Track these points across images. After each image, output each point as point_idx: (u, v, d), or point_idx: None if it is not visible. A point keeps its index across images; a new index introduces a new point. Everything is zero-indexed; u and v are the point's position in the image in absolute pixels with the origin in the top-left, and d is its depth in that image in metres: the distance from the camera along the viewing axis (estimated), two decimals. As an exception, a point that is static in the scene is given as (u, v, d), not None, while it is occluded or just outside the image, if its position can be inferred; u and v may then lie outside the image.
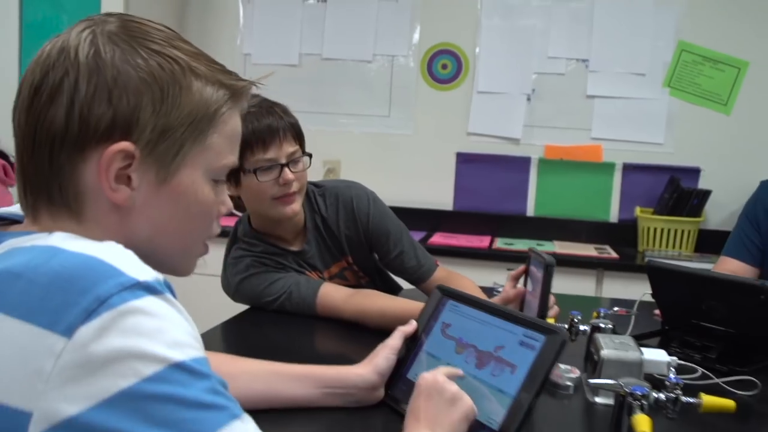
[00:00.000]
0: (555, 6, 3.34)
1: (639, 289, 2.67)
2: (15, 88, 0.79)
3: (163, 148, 0.75)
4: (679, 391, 1.04)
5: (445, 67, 3.47)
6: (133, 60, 0.73)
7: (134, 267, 0.66)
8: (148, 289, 0.65)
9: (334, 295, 1.69)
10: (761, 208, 2.17)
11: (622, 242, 3.26)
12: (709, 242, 3.08)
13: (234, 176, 1.63)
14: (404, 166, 3.48)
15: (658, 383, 1.08)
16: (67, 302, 0.62)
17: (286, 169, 1.62)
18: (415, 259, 1.81)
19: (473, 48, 3.44)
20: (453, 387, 0.94)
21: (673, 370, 1.15)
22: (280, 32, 3.63)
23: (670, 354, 1.30)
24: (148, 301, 0.64)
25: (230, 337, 1.62)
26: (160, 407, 0.61)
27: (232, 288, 1.76)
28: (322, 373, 1.11)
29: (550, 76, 3.37)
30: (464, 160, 3.47)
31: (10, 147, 2.61)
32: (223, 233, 2.09)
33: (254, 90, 0.85)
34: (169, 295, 0.68)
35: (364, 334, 1.54)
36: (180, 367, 0.63)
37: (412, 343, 1.14)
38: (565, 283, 2.82)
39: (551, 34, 3.35)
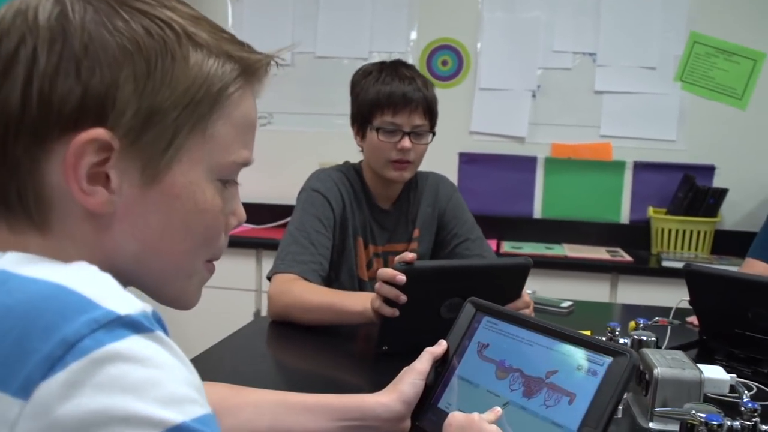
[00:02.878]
0: (559, -4, 3.21)
1: (655, 294, 2.54)
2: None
3: (149, 138, 0.59)
4: (757, 419, 0.88)
5: (445, 63, 3.33)
6: (110, 22, 0.58)
7: (112, 296, 0.52)
8: (133, 325, 0.50)
9: (283, 282, 1.62)
10: None
11: (634, 244, 3.11)
12: (726, 243, 2.96)
13: (361, 128, 1.78)
14: (404, 168, 3.33)
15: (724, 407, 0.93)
16: (22, 350, 0.47)
17: (407, 138, 1.72)
18: (479, 249, 1.85)
19: (474, 43, 3.30)
20: (491, 429, 0.77)
21: (747, 393, 0.98)
22: (271, 31, 3.49)
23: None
24: (132, 343, 0.49)
25: (238, 351, 1.48)
26: None
27: (301, 192, 1.81)
28: (339, 403, 0.94)
29: (556, 71, 3.24)
30: (467, 160, 3.33)
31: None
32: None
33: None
34: (160, 333, 0.52)
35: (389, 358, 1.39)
36: (180, 431, 0.48)
37: (441, 367, 0.98)
38: (578, 289, 2.68)
39: (556, 27, 3.22)
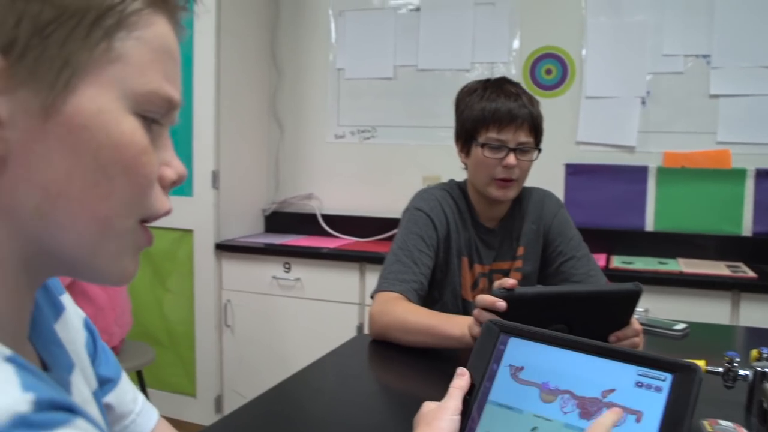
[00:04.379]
0: (669, -2, 3.03)
1: (783, 313, 2.36)
2: None
3: (41, 53, 0.49)
4: None
5: (549, 72, 3.23)
6: None
7: None
8: (25, 425, 0.38)
9: (385, 302, 1.61)
10: None
11: (758, 259, 2.90)
12: None
13: (466, 144, 1.76)
14: (508, 180, 3.24)
15: None
16: None
17: (512, 154, 1.70)
18: (585, 267, 1.79)
19: (579, 50, 3.18)
20: None
21: None
22: (373, 45, 3.50)
23: None
24: None
25: (338, 369, 1.47)
26: None
27: (405, 212, 1.81)
28: None
29: (667, 76, 3.06)
30: (574, 171, 3.21)
31: None
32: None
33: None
34: None
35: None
36: None
37: (468, 395, 0.92)
38: (695, 309, 2.53)
39: (665, 29, 3.04)
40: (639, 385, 0.78)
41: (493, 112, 1.69)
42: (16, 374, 0.41)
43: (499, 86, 1.74)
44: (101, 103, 0.52)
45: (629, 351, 0.83)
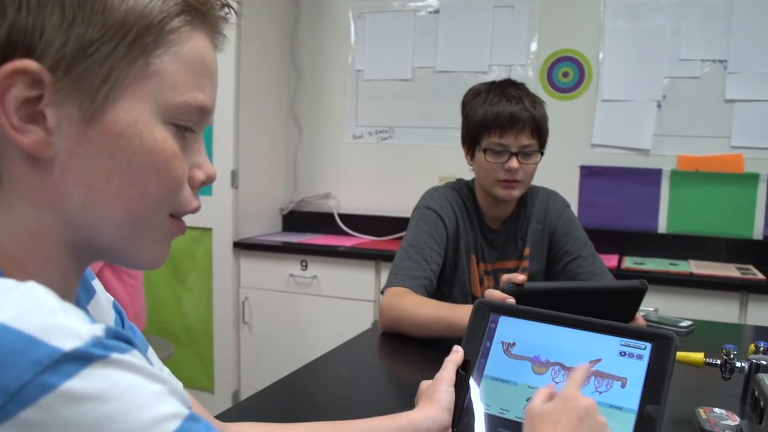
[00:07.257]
0: (687, 3, 3.04)
1: (792, 315, 2.38)
2: None
3: (83, 70, 0.55)
4: None
5: (566, 75, 3.26)
6: None
7: (56, 326, 0.45)
8: (82, 358, 0.44)
9: (395, 296, 1.65)
10: None
11: (768, 261, 2.92)
12: None
13: (471, 148, 1.80)
14: (523, 181, 3.28)
15: None
16: None
17: (514, 158, 1.72)
18: (591, 266, 1.81)
19: (596, 53, 3.21)
20: (589, 401, 0.78)
21: None
22: (392, 47, 3.55)
23: None
24: (84, 379, 0.44)
25: (350, 360, 1.50)
26: None
27: (415, 210, 1.85)
28: (392, 424, 0.93)
29: (683, 80, 3.08)
30: (588, 173, 3.24)
31: None
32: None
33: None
34: (116, 355, 0.46)
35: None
36: None
37: (464, 371, 0.99)
38: (704, 308, 2.55)
39: (683, 33, 3.06)
40: (622, 354, 0.88)
41: (495, 117, 1.72)
42: (84, 313, 0.49)
43: (502, 89, 1.76)
44: (136, 114, 0.58)
45: (611, 324, 0.91)
